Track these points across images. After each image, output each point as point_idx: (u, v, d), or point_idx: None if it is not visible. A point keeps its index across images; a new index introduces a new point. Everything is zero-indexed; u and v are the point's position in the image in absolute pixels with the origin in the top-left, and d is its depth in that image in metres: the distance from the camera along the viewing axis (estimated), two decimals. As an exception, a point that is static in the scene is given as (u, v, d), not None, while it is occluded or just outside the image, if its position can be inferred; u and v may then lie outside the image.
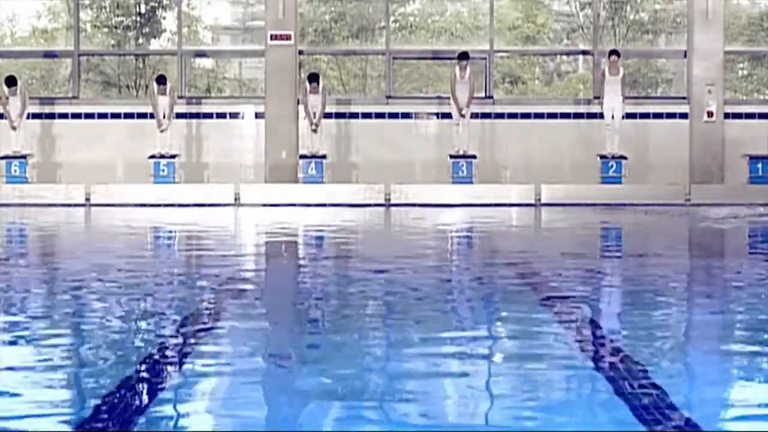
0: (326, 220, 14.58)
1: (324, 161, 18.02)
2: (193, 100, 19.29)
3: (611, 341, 5.85)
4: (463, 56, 18.10)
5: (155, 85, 18.04)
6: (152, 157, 17.96)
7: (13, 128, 17.92)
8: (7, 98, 17.89)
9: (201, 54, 21.23)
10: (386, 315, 6.78)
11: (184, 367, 5.16)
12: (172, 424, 4.19)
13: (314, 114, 17.88)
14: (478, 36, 20.10)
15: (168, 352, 5.50)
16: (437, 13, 21.60)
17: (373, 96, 20.09)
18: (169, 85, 18.04)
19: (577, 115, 18.98)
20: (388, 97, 19.27)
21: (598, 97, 18.43)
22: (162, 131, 17.94)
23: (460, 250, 11.72)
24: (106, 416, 4.16)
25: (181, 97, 19.02)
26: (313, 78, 18.06)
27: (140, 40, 21.46)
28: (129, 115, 18.88)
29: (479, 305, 7.27)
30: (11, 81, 17.91)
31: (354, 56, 21.14)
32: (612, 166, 17.81)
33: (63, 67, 21.02)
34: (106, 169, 18.68)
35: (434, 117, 18.95)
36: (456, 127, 18.11)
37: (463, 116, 17.97)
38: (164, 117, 17.96)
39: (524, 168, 18.75)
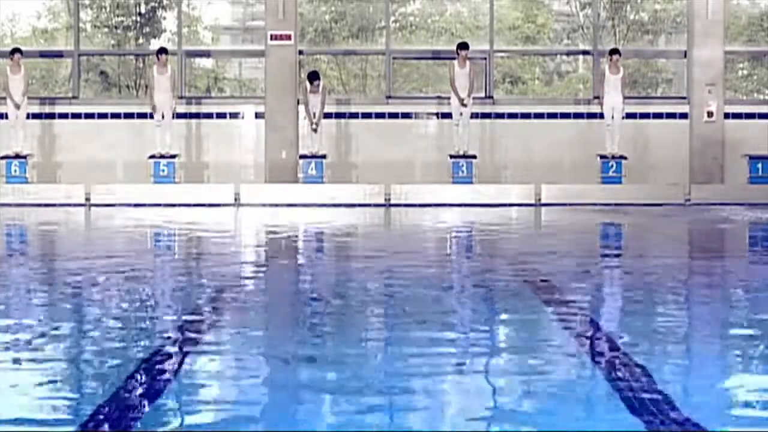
0: (326, 220, 14.57)
1: (324, 161, 18.02)
2: (193, 100, 19.29)
3: (610, 340, 5.84)
4: (463, 46, 18.08)
5: (155, 64, 17.90)
6: (152, 157, 17.95)
7: (17, 107, 17.79)
8: (8, 77, 17.82)
9: (201, 54, 21.23)
10: (386, 314, 6.78)
11: (184, 367, 5.16)
12: (172, 423, 4.19)
13: (314, 114, 17.88)
14: (478, 36, 20.09)
15: (168, 353, 5.49)
16: (437, 13, 21.60)
17: (373, 96, 20.08)
18: (170, 67, 17.95)
19: (577, 115, 18.98)
20: (388, 97, 19.26)
21: (598, 97, 18.42)
22: (161, 118, 17.76)
23: (459, 250, 11.72)
24: (106, 416, 4.16)
25: (181, 97, 19.01)
26: (314, 77, 18.04)
27: (140, 40, 21.45)
28: (129, 115, 18.87)
29: (479, 304, 7.27)
30: (15, 51, 17.86)
31: (354, 56, 21.13)
32: (612, 166, 17.81)
33: (63, 67, 21.02)
34: (106, 169, 18.68)
35: (434, 117, 18.95)
36: (456, 127, 18.10)
37: (465, 105, 17.85)
38: (164, 112, 17.77)
39: (524, 168, 18.75)
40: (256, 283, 8.46)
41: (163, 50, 18.03)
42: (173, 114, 17.98)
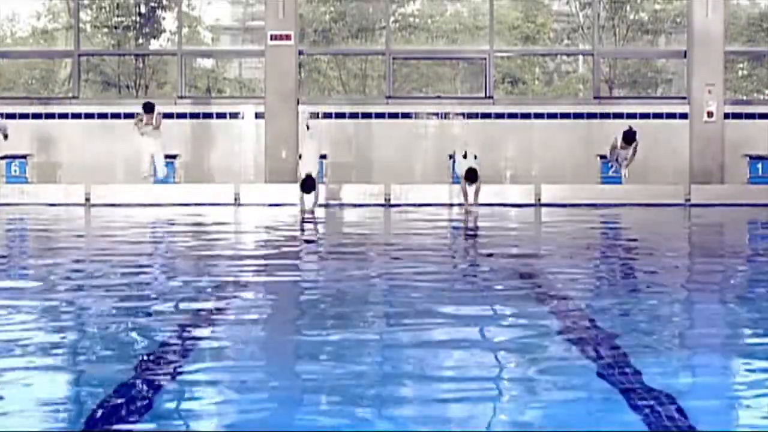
0: (326, 219, 14.56)
1: (324, 161, 18.01)
2: (193, 101, 19.28)
3: (609, 340, 5.84)
4: (471, 178, 17.56)
5: (143, 113, 17.38)
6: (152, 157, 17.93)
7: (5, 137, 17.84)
8: None
9: (201, 54, 21.23)
10: (386, 313, 6.78)
11: (184, 367, 5.16)
12: (172, 423, 4.19)
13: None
14: (478, 36, 20.09)
15: (168, 352, 5.49)
16: (437, 14, 21.59)
17: (373, 96, 20.08)
18: (156, 112, 17.44)
19: (577, 115, 18.97)
20: (388, 97, 19.26)
21: (598, 97, 18.42)
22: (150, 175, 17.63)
23: (459, 250, 11.72)
24: (106, 416, 4.16)
25: (181, 97, 19.00)
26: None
27: (140, 40, 21.44)
28: (129, 115, 18.83)
29: (479, 303, 7.27)
30: None
31: (354, 56, 21.12)
32: (612, 166, 17.80)
33: (63, 67, 21.02)
34: (106, 169, 18.68)
35: (434, 117, 18.95)
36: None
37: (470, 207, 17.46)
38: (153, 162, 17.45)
39: (524, 168, 18.75)
40: (255, 284, 8.45)
41: (149, 107, 17.45)
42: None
